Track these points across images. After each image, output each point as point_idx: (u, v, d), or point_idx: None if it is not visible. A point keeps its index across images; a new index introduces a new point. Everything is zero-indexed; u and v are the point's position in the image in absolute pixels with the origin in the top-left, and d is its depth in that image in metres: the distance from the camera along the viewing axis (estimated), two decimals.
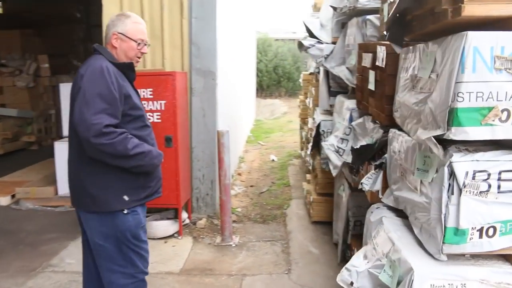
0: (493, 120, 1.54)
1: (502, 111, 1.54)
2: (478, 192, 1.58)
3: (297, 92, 14.03)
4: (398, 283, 1.75)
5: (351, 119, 3.16)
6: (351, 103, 3.24)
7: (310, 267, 3.53)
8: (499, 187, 1.58)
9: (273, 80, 16.49)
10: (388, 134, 2.28)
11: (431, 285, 1.64)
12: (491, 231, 1.62)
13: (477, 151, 1.59)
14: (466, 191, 1.58)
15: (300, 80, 7.43)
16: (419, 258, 1.73)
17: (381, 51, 2.42)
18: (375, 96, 2.57)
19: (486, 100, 1.54)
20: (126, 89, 2.16)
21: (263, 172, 6.70)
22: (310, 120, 5.13)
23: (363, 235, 2.37)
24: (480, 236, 1.63)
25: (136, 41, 2.23)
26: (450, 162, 1.59)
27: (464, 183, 1.57)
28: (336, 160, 3.24)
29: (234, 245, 3.91)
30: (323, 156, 4.01)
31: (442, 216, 1.63)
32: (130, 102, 2.16)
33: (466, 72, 1.52)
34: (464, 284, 1.62)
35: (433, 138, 1.62)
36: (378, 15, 2.78)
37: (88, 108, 2.00)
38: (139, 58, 2.29)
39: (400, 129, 2.16)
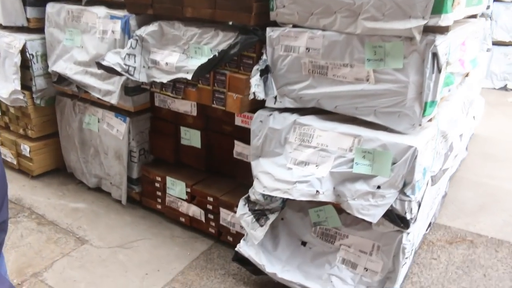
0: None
1: None
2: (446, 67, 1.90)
3: None
4: (379, 168, 1.90)
5: (127, 30, 2.55)
6: (113, 12, 2.59)
7: (98, 225, 2.85)
8: None
9: None
10: (270, 34, 2.11)
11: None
12: None
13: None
14: (444, 68, 1.86)
15: None
16: (399, 139, 1.91)
17: None
18: None
19: None
20: None
21: None
22: None
23: (256, 148, 2.22)
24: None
25: None
26: (435, 46, 1.79)
27: (443, 61, 1.84)
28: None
29: None
30: (40, 88, 3.02)
31: (423, 94, 1.86)
32: None
33: None
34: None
35: (419, 27, 1.75)
36: None
37: None
38: None
39: (293, 27, 2.07)
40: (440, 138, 2.28)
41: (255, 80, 2.11)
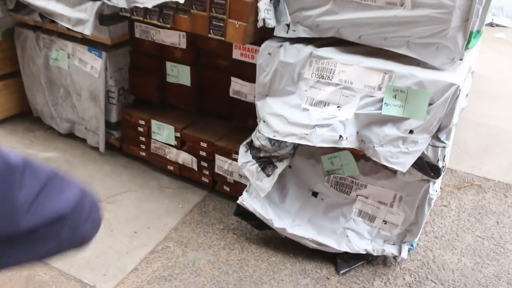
0: None
1: None
2: None
3: None
4: (413, 110, 1.63)
5: None
6: None
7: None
8: None
9: None
10: None
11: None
12: None
13: None
14: None
15: None
16: (437, 75, 1.62)
17: None
18: None
19: None
20: None
21: None
22: None
23: (263, 86, 1.89)
24: None
25: None
26: None
27: None
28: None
29: None
30: None
31: (469, 21, 1.55)
32: None
33: None
34: None
35: None
36: None
37: None
38: None
39: None
40: (469, 75, 2.01)
41: (264, 4, 1.75)
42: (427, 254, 2.15)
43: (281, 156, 1.96)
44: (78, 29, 2.29)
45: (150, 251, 2.04)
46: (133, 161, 2.65)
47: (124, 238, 2.10)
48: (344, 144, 1.71)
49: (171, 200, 2.37)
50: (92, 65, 2.45)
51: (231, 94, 2.25)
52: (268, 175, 1.97)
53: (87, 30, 2.26)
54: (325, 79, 1.74)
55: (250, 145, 2.04)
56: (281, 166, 1.95)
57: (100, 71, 2.43)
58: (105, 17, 2.30)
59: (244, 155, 2.05)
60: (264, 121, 1.88)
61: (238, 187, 2.27)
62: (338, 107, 1.72)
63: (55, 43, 2.58)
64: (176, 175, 2.51)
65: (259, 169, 1.99)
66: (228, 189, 2.35)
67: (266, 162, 1.99)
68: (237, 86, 2.21)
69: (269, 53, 1.84)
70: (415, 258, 2.12)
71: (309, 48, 1.78)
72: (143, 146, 2.55)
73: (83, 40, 2.47)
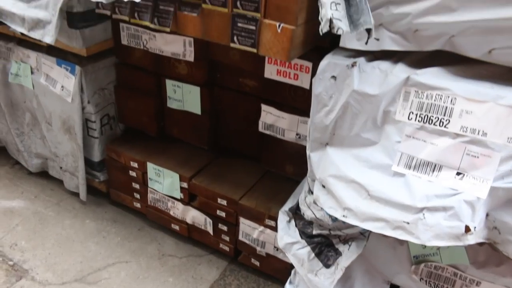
0: None
1: None
2: None
3: None
4: None
5: None
6: None
7: (45, 239, 1.81)
8: None
9: None
10: None
11: None
12: None
13: None
14: None
15: None
16: None
17: None
18: None
19: None
20: None
21: None
22: None
23: (323, 129, 1.16)
24: None
25: None
26: None
27: None
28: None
29: None
30: None
31: None
32: None
33: None
34: None
35: None
36: None
37: None
38: None
39: None
40: None
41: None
42: None
43: (347, 236, 1.24)
44: (35, 34, 1.57)
45: None
46: (125, 213, 1.95)
47: None
48: (471, 240, 0.98)
49: (177, 276, 1.67)
50: (63, 84, 1.74)
51: (260, 129, 1.53)
52: (327, 266, 1.26)
53: (48, 36, 1.54)
54: (434, 124, 1.00)
55: (296, 213, 1.33)
56: (348, 255, 1.23)
57: (73, 94, 1.71)
58: (76, 17, 1.58)
59: (286, 229, 1.34)
60: (324, 186, 1.15)
61: (273, 263, 1.57)
62: (459, 174, 0.99)
63: (13, 53, 1.87)
64: (183, 237, 1.80)
65: (312, 255, 1.27)
66: (257, 263, 1.64)
67: (323, 244, 1.27)
68: (270, 117, 1.49)
69: (334, 77, 1.10)
70: None
71: (403, 69, 1.05)
72: (137, 195, 1.84)
73: (51, 49, 1.76)
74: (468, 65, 1.06)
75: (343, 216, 1.10)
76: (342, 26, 0.98)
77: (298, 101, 1.42)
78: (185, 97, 1.65)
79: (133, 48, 1.66)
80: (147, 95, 1.73)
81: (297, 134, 1.46)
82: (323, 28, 0.99)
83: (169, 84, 1.66)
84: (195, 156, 1.73)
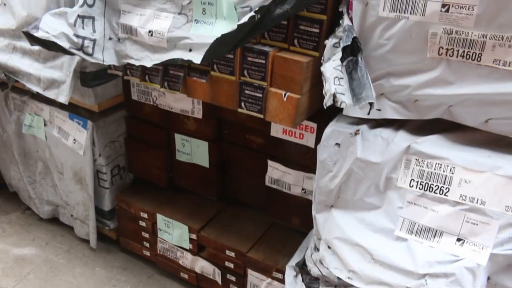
0: None
1: None
2: None
3: None
4: None
5: None
6: None
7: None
8: None
9: None
10: None
11: None
12: None
13: None
14: None
15: None
16: None
17: None
18: None
19: None
20: None
21: None
22: None
23: (328, 193, 1.21)
24: None
25: None
26: None
27: None
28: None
29: None
30: None
31: None
32: None
33: None
34: None
35: None
36: None
37: None
38: None
39: None
40: None
41: (334, 68, 1.08)
42: None
43: None
44: (50, 94, 1.65)
45: None
46: (135, 261, 1.98)
47: None
48: None
49: None
50: (75, 137, 1.80)
51: (267, 183, 1.58)
52: None
53: (62, 96, 1.62)
54: (435, 192, 1.05)
55: (302, 268, 1.36)
56: None
57: (85, 147, 1.77)
58: (89, 76, 1.65)
59: (293, 284, 1.37)
60: (329, 247, 1.20)
61: None
62: (459, 240, 1.03)
63: (28, 106, 1.94)
64: (192, 286, 1.83)
65: None
66: None
67: None
68: (276, 173, 1.54)
69: (337, 144, 1.16)
70: None
71: (404, 137, 1.10)
72: (147, 244, 1.88)
73: (63, 104, 1.82)
74: (466, 131, 1.11)
75: (348, 278, 1.14)
76: (345, 99, 1.04)
77: (303, 158, 1.47)
78: (193, 150, 1.71)
79: (143, 103, 1.72)
80: (156, 147, 1.78)
81: (302, 189, 1.50)
82: (327, 102, 1.05)
83: (178, 138, 1.72)
84: (204, 207, 1.78)
